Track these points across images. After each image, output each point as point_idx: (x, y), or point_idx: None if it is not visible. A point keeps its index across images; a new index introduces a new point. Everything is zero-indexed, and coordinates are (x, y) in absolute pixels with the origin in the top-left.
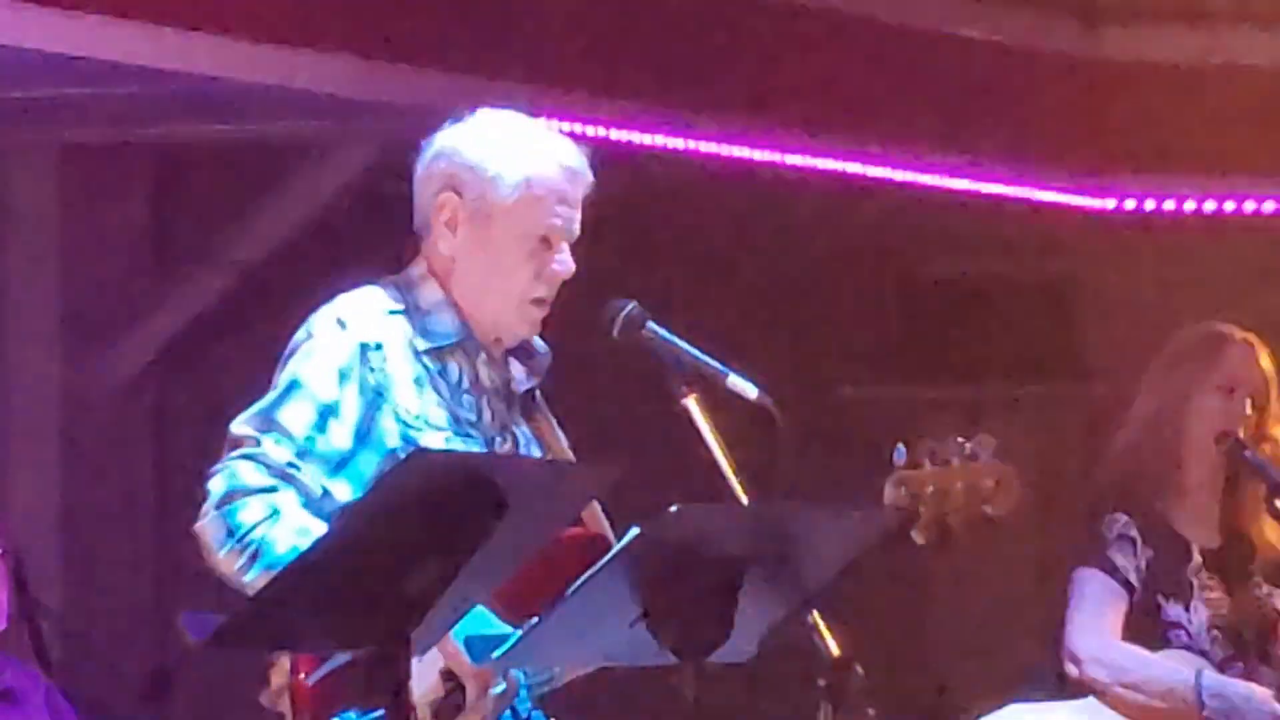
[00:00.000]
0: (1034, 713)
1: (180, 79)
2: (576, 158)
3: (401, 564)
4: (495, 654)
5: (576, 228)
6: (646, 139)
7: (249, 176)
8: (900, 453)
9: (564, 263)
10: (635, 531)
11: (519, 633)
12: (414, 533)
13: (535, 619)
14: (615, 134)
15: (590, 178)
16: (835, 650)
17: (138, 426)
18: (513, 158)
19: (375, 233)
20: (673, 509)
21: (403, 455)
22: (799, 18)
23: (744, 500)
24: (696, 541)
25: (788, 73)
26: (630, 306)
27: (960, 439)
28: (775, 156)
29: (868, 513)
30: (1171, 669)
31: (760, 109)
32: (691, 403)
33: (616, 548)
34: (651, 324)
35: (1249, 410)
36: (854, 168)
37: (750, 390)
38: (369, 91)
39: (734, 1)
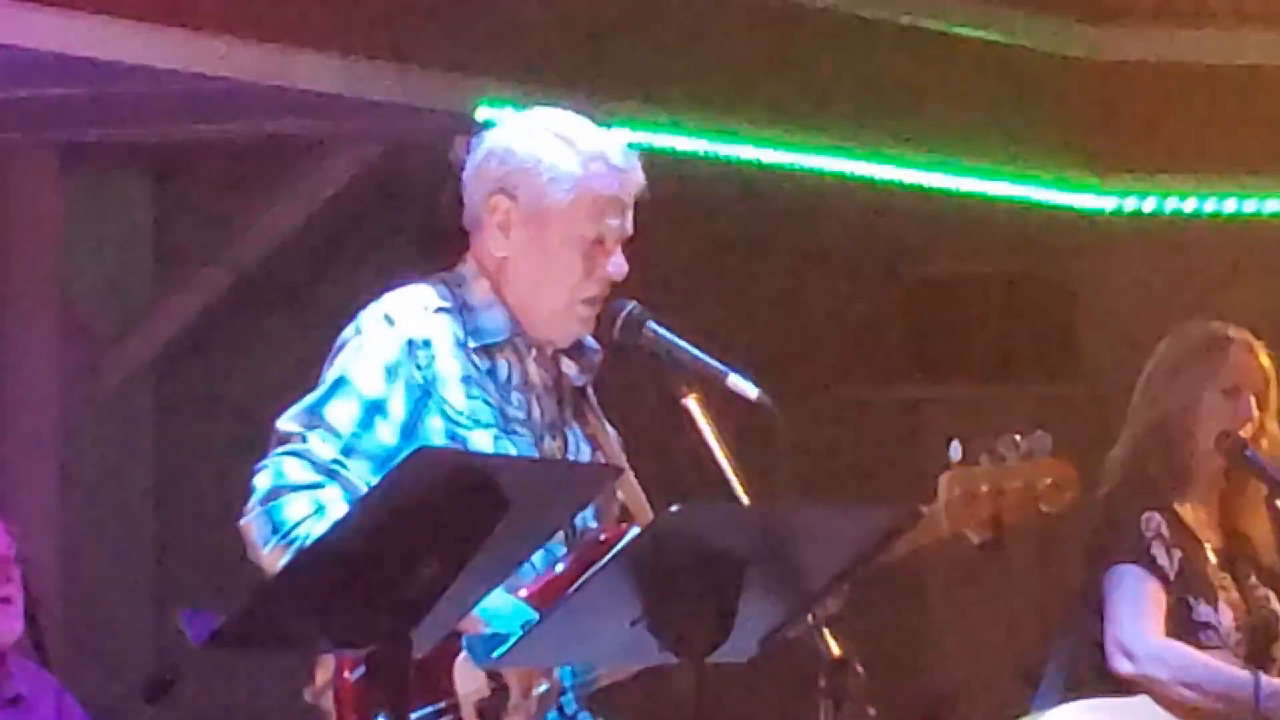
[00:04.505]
0: (1089, 711)
1: (180, 79)
2: (627, 158)
3: (402, 563)
4: (495, 653)
5: (629, 228)
6: (646, 139)
7: (249, 176)
8: (955, 450)
9: (617, 264)
10: (635, 531)
11: (520, 631)
12: (414, 532)
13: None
14: (615, 134)
15: (641, 177)
16: (835, 650)
17: (138, 426)
18: (566, 159)
19: (375, 232)
20: (673, 509)
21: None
22: (798, 17)
23: (745, 500)
24: (697, 541)
25: (786, 72)
26: (631, 306)
27: (1017, 436)
28: (775, 156)
29: (869, 512)
30: (1229, 669)
31: (759, 108)
32: (692, 402)
33: (616, 548)
34: (652, 324)
35: (1255, 410)
36: (854, 167)
37: (751, 390)
38: (369, 91)
39: (732, 2)
